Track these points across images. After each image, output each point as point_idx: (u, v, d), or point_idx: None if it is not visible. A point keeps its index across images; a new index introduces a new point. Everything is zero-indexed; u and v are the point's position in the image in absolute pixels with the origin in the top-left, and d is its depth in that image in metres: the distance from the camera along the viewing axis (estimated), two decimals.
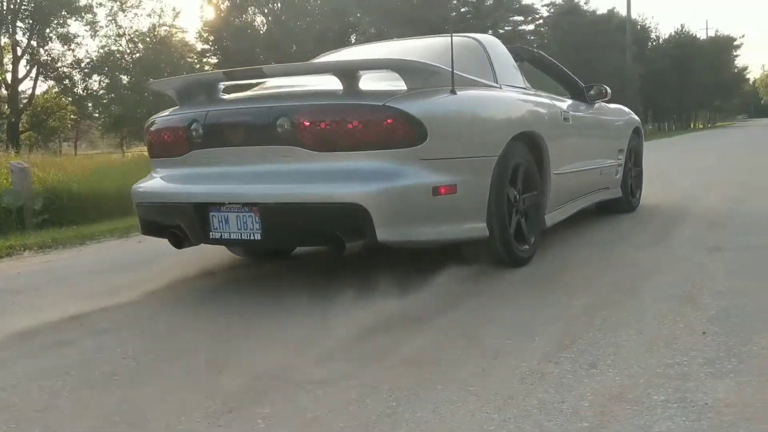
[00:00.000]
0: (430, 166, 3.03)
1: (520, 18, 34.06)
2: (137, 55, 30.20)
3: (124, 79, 30.40)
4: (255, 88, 3.99)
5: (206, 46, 35.26)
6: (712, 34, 59.16)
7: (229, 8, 34.91)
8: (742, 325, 2.56)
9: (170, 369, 2.43)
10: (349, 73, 3.12)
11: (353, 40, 37.93)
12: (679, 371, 2.15)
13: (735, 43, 57.70)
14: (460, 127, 3.29)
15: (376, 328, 2.71)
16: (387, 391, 2.11)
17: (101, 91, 30.66)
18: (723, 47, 56.36)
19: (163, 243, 3.56)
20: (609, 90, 5.12)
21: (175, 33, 32.34)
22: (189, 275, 3.92)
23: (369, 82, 3.19)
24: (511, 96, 3.93)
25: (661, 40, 51.18)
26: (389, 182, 2.93)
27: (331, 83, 3.18)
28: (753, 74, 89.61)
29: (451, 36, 3.43)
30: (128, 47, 30.28)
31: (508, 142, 3.46)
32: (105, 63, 29.31)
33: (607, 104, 5.46)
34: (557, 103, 4.41)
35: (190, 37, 34.63)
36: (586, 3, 36.17)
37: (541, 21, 34.87)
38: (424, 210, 3.05)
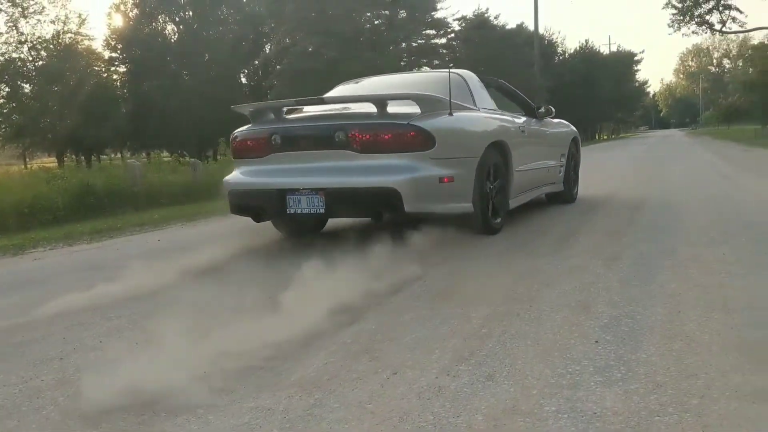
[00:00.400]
0: (437, 163, 4.49)
1: (433, 32, 34.60)
2: (40, 63, 28.84)
3: (26, 87, 28.97)
4: (306, 110, 5.30)
5: (114, 54, 34.11)
6: (614, 49, 61.91)
7: (138, 16, 33.93)
8: (632, 333, 2.65)
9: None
10: (382, 102, 4.58)
11: (267, 50, 37.57)
12: (571, 381, 2.20)
13: (636, 58, 60.61)
14: (455, 138, 4.74)
15: (277, 347, 2.66)
16: (281, 413, 2.06)
17: (1, 100, 29.04)
18: (625, 62, 59.09)
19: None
20: (553, 109, 6.67)
21: (81, 40, 31.09)
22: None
23: (393, 107, 4.63)
24: (486, 116, 5.43)
25: (567, 54, 53.15)
26: (411, 174, 4.38)
27: (367, 107, 4.69)
28: (653, 87, 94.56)
29: (449, 73, 5.15)
30: (30, 55, 28.87)
31: (486, 147, 4.94)
32: (5, 71, 27.78)
33: (551, 119, 6.93)
34: (516, 120, 5.97)
35: (98, 45, 33.26)
36: (495, 18, 37.12)
37: (453, 35, 35.52)
38: (433, 192, 4.51)
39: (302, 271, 3.68)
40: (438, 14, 34.28)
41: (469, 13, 37.00)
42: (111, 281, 4.08)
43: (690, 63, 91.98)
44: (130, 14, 34.05)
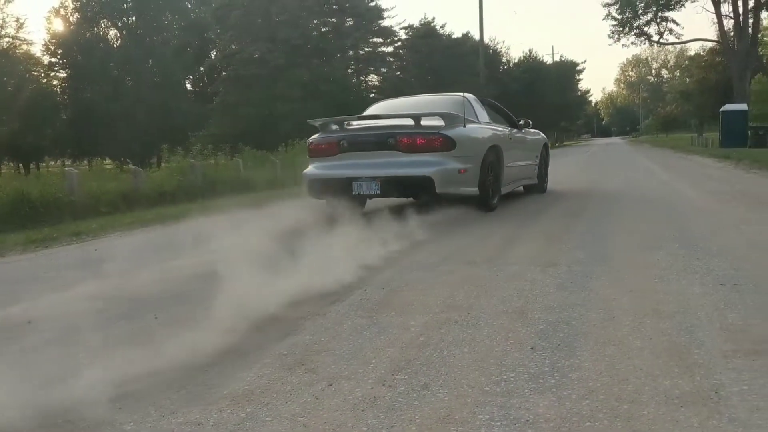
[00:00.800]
0: (457, 160, 6.28)
1: (380, 40, 34.74)
2: None
3: None
4: (360, 123, 6.90)
5: (54, 60, 33.20)
6: (557, 58, 63.26)
7: (80, 20, 33.11)
8: (566, 339, 2.68)
9: None
10: (418, 117, 6.36)
11: (213, 56, 37.07)
12: (505, 388, 2.20)
13: (578, 67, 62.13)
14: (469, 142, 6.48)
15: (209, 361, 2.59)
16: (212, 427, 2.01)
17: None
18: (567, 71, 60.47)
19: None
20: (530, 122, 8.82)
21: (20, 45, 30.15)
22: None
23: (424, 120, 6.41)
24: (486, 127, 7.24)
25: (511, 63, 54.08)
26: (441, 167, 6.17)
27: (407, 121, 6.47)
28: (595, 96, 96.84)
29: (464, 97, 7.29)
30: None
31: (487, 149, 6.80)
32: None
33: (529, 129, 8.90)
34: (505, 130, 7.95)
35: (36, 50, 32.29)
36: (442, 27, 37.51)
37: (399, 43, 35.73)
38: (455, 179, 6.29)
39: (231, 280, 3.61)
40: (385, 23, 34.45)
41: (416, 22, 37.29)
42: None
43: (630, 73, 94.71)
44: (71, 18, 33.26)
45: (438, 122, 6.37)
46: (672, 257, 4.24)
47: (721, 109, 26.96)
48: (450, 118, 6.41)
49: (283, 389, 2.30)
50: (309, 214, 6.67)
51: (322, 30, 32.63)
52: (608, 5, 38.29)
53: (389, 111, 7.56)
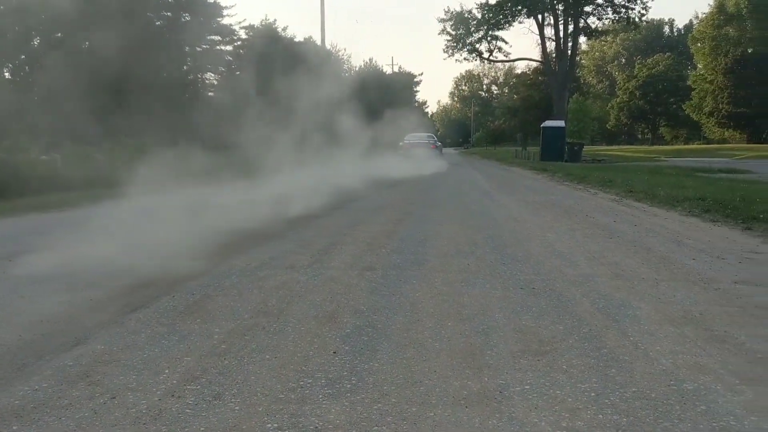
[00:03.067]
0: (438, 149, 28.40)
1: (218, 38, 33.84)
2: None
3: None
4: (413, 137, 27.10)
5: None
6: (396, 69, 65.02)
7: None
8: (370, 343, 2.69)
9: None
10: (431, 136, 30.21)
11: (36, 44, 34.23)
12: (300, 395, 2.16)
13: (416, 79, 64.30)
14: (439, 145, 30.59)
15: None
16: None
17: None
18: (406, 82, 62.38)
19: None
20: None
21: None
22: None
23: (429, 138, 29.19)
24: (439, 143, 32.41)
25: (352, 71, 54.89)
26: (439, 151, 28.36)
27: (427, 138, 28.73)
28: (431, 108, 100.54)
29: (434, 131, 43.71)
30: None
31: (440, 148, 30.98)
32: None
33: (438, 141, 30.97)
34: (438, 142, 31.16)
35: None
36: (284, 30, 37.24)
37: (239, 43, 35.01)
38: (438, 155, 27.00)
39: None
40: (224, 21, 33.61)
41: (257, 23, 36.72)
42: None
43: (463, 87, 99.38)
44: None
45: (433, 140, 27.60)
46: (481, 262, 4.44)
47: (541, 125, 29.02)
48: (434, 138, 28.47)
49: (60, 404, 2.11)
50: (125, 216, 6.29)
51: (157, 24, 31.18)
52: (443, 21, 40.04)
53: (417, 138, 26.17)
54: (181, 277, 3.96)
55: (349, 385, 2.24)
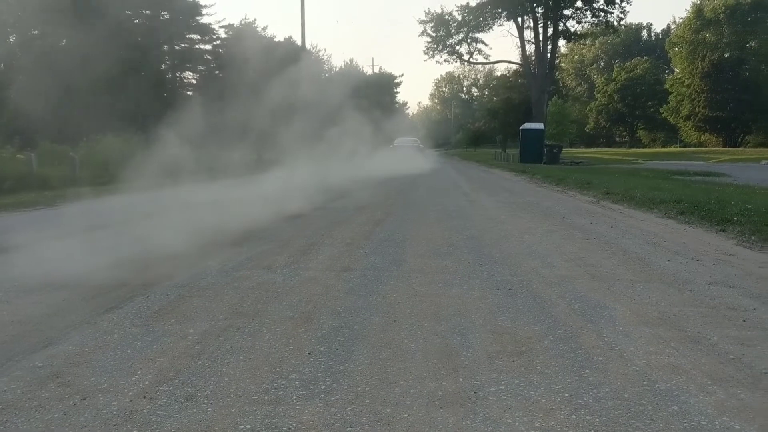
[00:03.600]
0: (423, 151, 33.11)
1: (198, 36, 33.60)
2: None
3: None
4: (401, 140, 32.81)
5: None
6: (377, 70, 65.04)
7: None
8: (346, 344, 2.68)
9: None
10: (417, 141, 35.50)
11: (12, 40, 33.77)
12: (274, 396, 2.14)
13: (396, 80, 64.36)
14: (424, 147, 35.68)
15: None
16: None
17: None
18: (386, 83, 62.43)
19: None
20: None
21: None
22: None
23: (416, 142, 35.03)
24: (422, 145, 35.58)
25: (332, 72, 54.79)
26: (422, 151, 33.12)
27: (414, 142, 34.41)
28: (411, 109, 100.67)
29: (418, 138, 40.25)
30: None
31: (422, 149, 34.50)
32: None
33: (420, 144, 34.81)
34: (422, 145, 35.57)
35: None
36: (264, 29, 37.09)
37: (219, 42, 34.80)
38: (422, 154, 32.24)
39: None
40: (203, 20, 33.38)
41: (237, 22, 36.56)
42: None
43: (444, 89, 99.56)
44: None
45: (416, 143, 32.68)
46: (459, 263, 4.45)
47: (520, 128, 29.17)
48: (420, 141, 33.46)
49: (29, 405, 2.07)
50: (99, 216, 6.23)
51: (135, 21, 30.90)
52: (424, 22, 40.10)
53: (405, 141, 31.60)
54: (156, 277, 3.93)
55: (323, 386, 2.22)
